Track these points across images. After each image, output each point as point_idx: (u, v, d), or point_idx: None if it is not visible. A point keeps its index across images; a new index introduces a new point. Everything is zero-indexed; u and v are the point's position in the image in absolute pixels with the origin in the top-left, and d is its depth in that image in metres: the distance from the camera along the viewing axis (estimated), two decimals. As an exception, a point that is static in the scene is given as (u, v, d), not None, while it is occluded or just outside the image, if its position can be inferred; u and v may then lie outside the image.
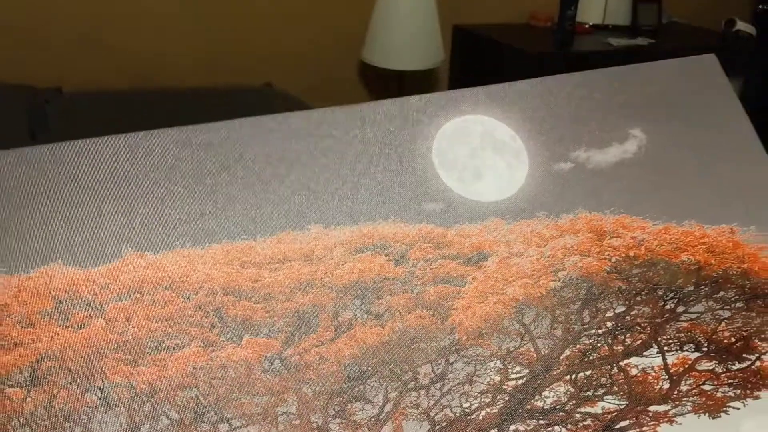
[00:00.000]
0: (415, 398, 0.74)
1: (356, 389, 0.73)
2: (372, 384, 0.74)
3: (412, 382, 0.75)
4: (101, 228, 0.76)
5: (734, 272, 0.85)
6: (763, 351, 0.82)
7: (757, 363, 0.81)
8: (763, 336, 0.83)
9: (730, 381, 0.80)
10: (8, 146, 1.91)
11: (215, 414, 0.70)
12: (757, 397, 0.79)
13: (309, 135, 0.86)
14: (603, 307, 0.81)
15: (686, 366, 0.80)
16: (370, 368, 0.74)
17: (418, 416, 0.73)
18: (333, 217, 0.81)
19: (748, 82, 3.02)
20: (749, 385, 0.80)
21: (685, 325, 0.82)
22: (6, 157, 0.78)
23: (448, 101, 0.90)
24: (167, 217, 0.78)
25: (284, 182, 0.82)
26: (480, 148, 0.88)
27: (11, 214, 0.75)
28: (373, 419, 0.72)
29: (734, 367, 0.81)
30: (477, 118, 0.90)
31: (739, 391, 0.80)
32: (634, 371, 0.79)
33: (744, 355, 0.82)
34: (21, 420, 0.67)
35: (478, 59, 2.92)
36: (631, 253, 0.84)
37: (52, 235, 0.75)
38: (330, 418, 0.72)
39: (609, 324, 0.81)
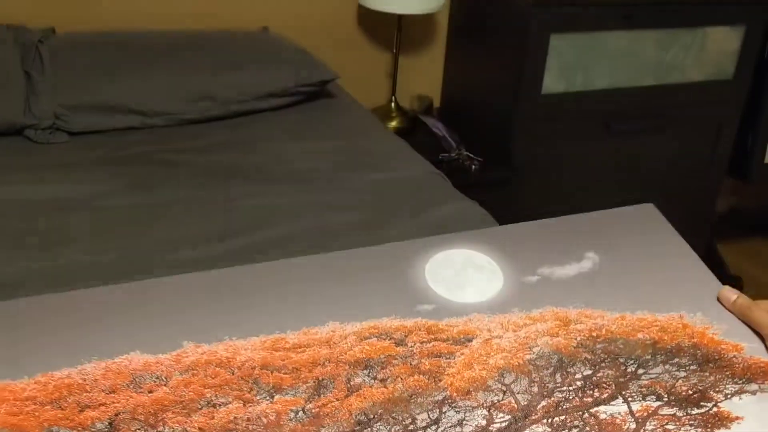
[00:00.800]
0: (414, 438, 0.89)
1: (365, 431, 0.89)
2: (377, 427, 0.90)
3: (411, 425, 0.90)
4: (169, 329, 1.01)
5: (686, 344, 1.02)
6: (718, 400, 0.95)
7: (714, 409, 0.94)
8: (717, 389, 0.96)
9: (690, 422, 0.92)
10: (5, 85, 2.06)
11: (250, 448, 0.86)
12: (717, 434, 0.91)
13: (325, 269, 1.12)
14: (572, 371, 0.98)
15: (650, 411, 0.93)
16: (375, 416, 0.91)
17: (417, 450, 0.88)
18: (346, 318, 1.04)
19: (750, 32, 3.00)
20: (709, 425, 0.92)
21: (646, 382, 0.97)
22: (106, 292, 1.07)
23: (440, 241, 1.17)
24: (218, 320, 1.02)
25: (308, 295, 1.07)
26: (462, 269, 1.13)
27: (107, 316, 1.01)
28: (378, 452, 0.87)
29: (693, 412, 0.94)
30: (460, 251, 1.16)
31: (701, 430, 0.91)
32: (602, 416, 0.93)
33: (701, 403, 0.95)
34: (99, 454, 0.85)
35: (478, 3, 2.86)
36: (594, 334, 1.03)
37: (133, 334, 1.00)
38: (343, 451, 0.87)
39: (579, 383, 0.96)
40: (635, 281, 1.12)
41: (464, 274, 1.13)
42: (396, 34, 2.77)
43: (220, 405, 0.90)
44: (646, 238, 1.19)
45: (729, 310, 1.06)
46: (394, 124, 2.99)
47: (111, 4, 2.32)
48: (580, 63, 2.81)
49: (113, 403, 0.90)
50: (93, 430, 0.87)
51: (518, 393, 0.94)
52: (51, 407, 0.88)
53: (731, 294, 1.06)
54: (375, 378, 0.95)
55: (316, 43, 2.35)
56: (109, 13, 2.34)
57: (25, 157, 1.84)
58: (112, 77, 2.01)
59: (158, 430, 0.87)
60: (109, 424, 0.87)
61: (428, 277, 1.11)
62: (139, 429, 0.87)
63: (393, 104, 2.98)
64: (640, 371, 0.98)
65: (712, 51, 3.14)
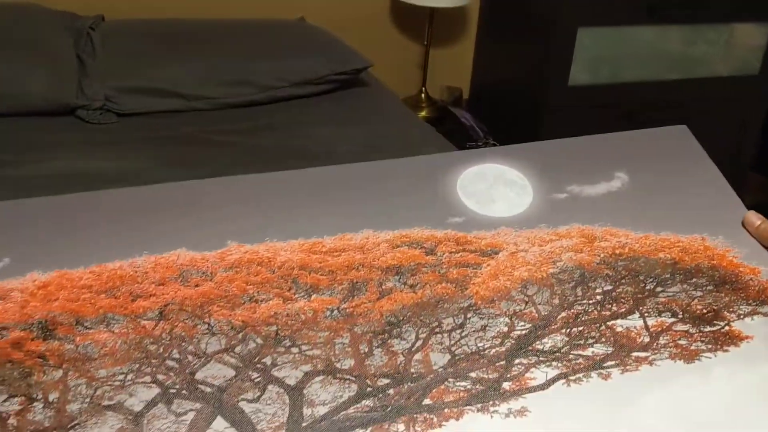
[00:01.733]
0: (440, 339, 0.96)
1: (394, 331, 0.96)
2: (406, 328, 0.97)
3: (438, 328, 0.97)
4: (214, 229, 1.07)
5: (705, 266, 1.06)
6: (731, 320, 1.00)
7: (726, 327, 0.99)
8: (731, 310, 1.01)
9: (702, 339, 0.98)
10: (59, 69, 2.21)
11: (289, 341, 0.94)
12: (726, 351, 0.96)
13: (362, 178, 1.17)
14: (593, 286, 1.03)
15: (664, 327, 0.99)
16: (404, 318, 0.97)
17: (442, 350, 0.95)
18: (379, 226, 1.09)
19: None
20: (720, 342, 0.97)
21: (663, 299, 1.02)
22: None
23: (472, 155, 1.20)
24: (260, 221, 1.08)
25: (345, 203, 1.12)
26: (493, 184, 1.17)
27: (157, 215, 1.07)
28: (406, 350, 0.94)
29: (706, 329, 0.99)
30: (492, 166, 1.19)
31: (710, 346, 0.97)
32: (618, 329, 0.98)
33: (715, 322, 1.00)
34: (149, 339, 0.93)
35: None
36: (617, 252, 1.07)
37: (181, 232, 1.06)
38: (374, 348, 0.94)
39: (598, 297, 1.02)
40: (662, 202, 1.15)
41: (495, 188, 1.16)
42: (427, 26, 2.81)
43: (261, 301, 0.97)
44: (676, 159, 1.20)
45: (752, 235, 1.08)
46: (423, 113, 3.00)
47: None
48: (606, 56, 2.83)
49: (162, 294, 0.98)
50: (144, 318, 0.95)
51: (540, 304, 1.00)
52: (105, 296, 0.96)
53: (756, 219, 1.08)
54: (405, 283, 1.01)
55: (350, 34, 2.42)
56: (154, 3, 2.41)
57: (78, 135, 1.93)
58: (157, 62, 2.06)
59: (204, 320, 0.95)
60: (159, 313, 0.95)
61: (459, 191, 1.15)
62: (186, 319, 0.95)
63: (423, 94, 2.98)
64: (658, 289, 1.03)
65: (738, 46, 3.10)
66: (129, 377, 0.89)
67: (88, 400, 0.87)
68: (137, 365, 0.90)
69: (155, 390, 0.89)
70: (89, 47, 2.10)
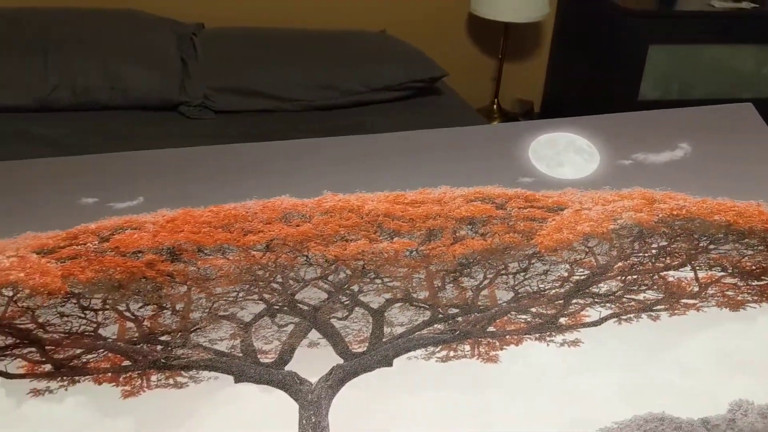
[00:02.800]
0: (505, 279, 1.09)
1: (464, 270, 1.10)
2: (475, 269, 1.10)
3: (504, 270, 1.10)
4: (313, 180, 1.23)
5: (758, 228, 1.14)
6: (779, 276, 1.08)
7: (774, 283, 1.07)
8: (780, 267, 1.09)
9: (749, 291, 1.06)
10: (165, 69, 2.41)
11: (374, 274, 1.09)
12: (772, 302, 1.05)
13: (442, 142, 1.30)
14: (649, 241, 1.13)
15: (713, 279, 1.08)
16: (474, 261, 1.11)
17: (507, 288, 1.07)
18: (456, 183, 1.22)
19: None
20: (765, 295, 1.06)
21: (714, 256, 1.11)
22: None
23: (545, 124, 1.32)
24: (352, 176, 1.24)
25: (425, 163, 1.26)
26: (563, 150, 1.28)
27: (263, 167, 1.25)
28: (474, 287, 1.08)
29: (753, 283, 1.07)
30: (563, 134, 1.30)
31: (756, 297, 1.05)
32: (670, 279, 1.08)
33: (762, 277, 1.08)
34: (258, 266, 1.10)
35: (583, 14, 2.98)
36: (674, 213, 1.16)
37: (285, 181, 1.23)
38: (446, 283, 1.08)
39: (654, 251, 1.12)
40: (722, 171, 1.23)
41: (564, 154, 1.28)
42: (502, 40, 2.86)
43: (351, 240, 1.13)
44: (738, 133, 1.28)
45: None
46: (495, 124, 3.06)
47: (250, 5, 2.65)
48: (676, 73, 2.79)
49: (269, 231, 1.15)
50: (253, 249, 1.12)
51: (598, 254, 1.11)
52: (222, 230, 1.14)
53: (812, 188, 1.15)
54: (477, 232, 1.14)
55: (428, 46, 2.54)
56: (249, 13, 2.61)
57: (178, 128, 2.11)
58: (252, 66, 2.25)
59: (303, 254, 1.11)
60: (266, 246, 1.12)
61: (531, 155, 1.27)
62: (288, 252, 1.11)
63: (495, 106, 3.02)
64: (711, 246, 1.12)
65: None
66: (240, 295, 1.07)
67: (207, 310, 1.05)
68: (247, 286, 1.08)
69: (261, 306, 1.06)
70: (192, 51, 2.30)
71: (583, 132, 1.30)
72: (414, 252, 1.12)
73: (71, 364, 0.99)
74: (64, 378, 0.97)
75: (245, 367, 0.98)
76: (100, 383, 0.96)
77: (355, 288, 1.08)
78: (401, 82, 2.28)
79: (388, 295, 1.07)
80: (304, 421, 0.93)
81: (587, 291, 1.06)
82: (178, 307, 1.06)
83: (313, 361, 0.99)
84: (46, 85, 2.01)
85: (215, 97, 2.19)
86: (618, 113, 1.33)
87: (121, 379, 0.97)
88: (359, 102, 2.31)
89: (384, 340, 1.02)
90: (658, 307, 1.04)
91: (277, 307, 1.06)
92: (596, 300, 1.05)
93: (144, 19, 2.34)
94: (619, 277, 1.08)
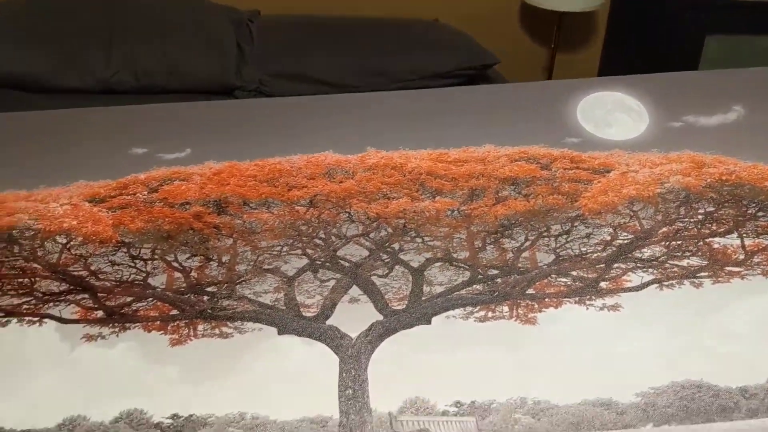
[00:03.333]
0: (547, 241, 1.09)
1: (506, 232, 1.10)
2: (517, 230, 1.10)
3: (546, 233, 1.10)
4: (356, 136, 1.24)
5: (811, 196, 1.11)
6: (831, 246, 1.05)
7: (824, 253, 1.05)
8: (832, 237, 1.06)
9: (798, 261, 1.04)
10: (222, 54, 2.40)
11: (414, 233, 1.10)
12: (821, 273, 1.03)
13: (488, 99, 1.29)
14: (696, 206, 1.11)
15: (760, 247, 1.06)
16: (516, 222, 1.11)
17: (548, 251, 1.07)
18: (501, 142, 1.21)
19: None
20: (815, 265, 1.04)
21: (763, 223, 1.09)
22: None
23: (594, 83, 1.29)
24: (396, 134, 1.24)
25: (470, 120, 1.25)
26: (612, 110, 1.25)
27: (307, 122, 1.26)
28: (515, 248, 1.08)
29: (803, 253, 1.05)
30: (612, 93, 1.28)
31: (805, 268, 1.03)
32: (716, 245, 1.07)
33: (813, 247, 1.06)
34: (301, 221, 1.12)
35: (638, 4, 2.90)
36: (724, 178, 1.14)
37: (329, 137, 1.24)
38: (487, 244, 1.09)
39: (700, 216, 1.10)
40: (776, 136, 1.19)
41: (612, 114, 1.25)
42: (555, 29, 2.76)
43: (393, 198, 1.14)
44: None
45: None
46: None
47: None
48: (733, 64, 2.66)
49: (312, 186, 1.16)
50: (297, 204, 1.14)
51: (643, 218, 1.10)
52: (267, 184, 1.16)
53: None
54: (520, 193, 1.14)
55: (480, 34, 2.50)
56: (304, 1, 2.60)
57: None
58: (306, 53, 2.24)
59: (345, 210, 1.13)
60: (310, 201, 1.14)
61: (579, 114, 1.25)
62: (331, 208, 1.13)
63: None
64: (760, 214, 1.10)
65: None
66: (284, 249, 1.09)
67: (252, 263, 1.07)
68: (291, 241, 1.10)
69: (304, 261, 1.08)
70: (248, 37, 2.33)
71: (633, 91, 1.27)
72: (455, 212, 1.13)
73: (122, 311, 1.03)
74: (116, 325, 1.01)
75: (288, 320, 1.01)
76: (149, 331, 1.00)
77: (396, 246, 1.09)
78: (451, 70, 2.26)
79: (428, 254, 1.08)
80: (344, 374, 0.95)
81: (630, 255, 1.06)
82: (224, 259, 1.08)
83: (354, 316, 1.01)
84: (109, 68, 2.05)
85: (270, 83, 2.21)
86: (670, 72, 1.29)
87: (169, 328, 1.00)
88: (410, 89, 2.30)
89: (423, 298, 1.03)
90: (702, 273, 1.03)
91: (320, 263, 1.08)
92: (638, 265, 1.05)
93: (202, 6, 2.37)
94: (663, 242, 1.07)
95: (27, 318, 1.03)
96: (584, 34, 3.03)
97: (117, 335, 1.00)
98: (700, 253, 1.06)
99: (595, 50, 3.06)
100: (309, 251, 1.09)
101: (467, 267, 1.07)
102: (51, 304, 1.04)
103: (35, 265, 1.08)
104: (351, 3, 2.64)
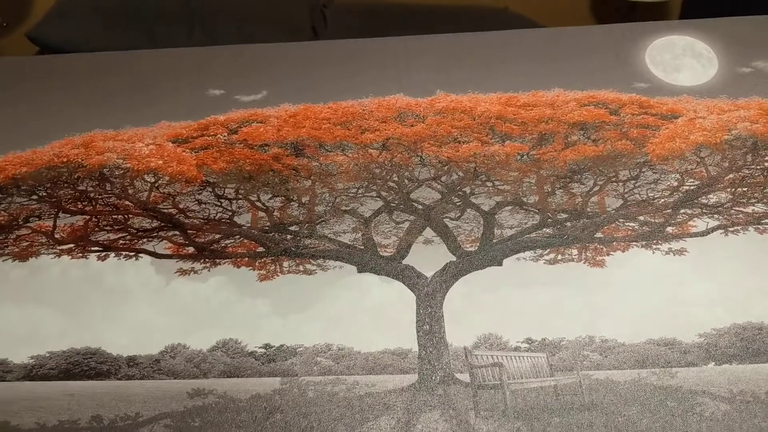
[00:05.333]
0: (615, 187, 1.12)
1: (575, 177, 1.13)
2: (586, 175, 1.13)
3: (614, 178, 1.13)
4: (426, 80, 1.26)
5: None
6: None
7: None
8: None
9: None
10: (296, 37, 2.42)
11: (485, 177, 1.14)
12: None
13: (557, 42, 1.30)
14: (763, 154, 1.13)
15: (827, 196, 1.08)
16: (585, 167, 1.14)
17: (616, 195, 1.11)
18: (570, 86, 1.23)
19: None
20: None
21: (831, 172, 1.10)
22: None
23: (663, 26, 1.29)
24: (467, 74, 1.26)
25: (539, 63, 1.27)
26: (681, 54, 1.26)
27: (375, 63, 1.28)
28: (584, 193, 1.12)
29: None
30: (681, 37, 1.28)
31: None
32: (782, 193, 1.09)
33: None
34: (375, 164, 1.16)
35: None
36: (793, 125, 1.15)
37: (398, 81, 1.26)
38: (556, 189, 1.12)
39: (767, 164, 1.12)
40: None
41: (682, 59, 1.26)
42: (627, 15, 2.61)
43: (463, 142, 1.17)
44: None
45: None
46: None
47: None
48: None
49: (384, 130, 1.20)
50: (371, 147, 1.18)
51: (710, 165, 1.12)
52: (341, 127, 1.20)
53: None
54: (589, 138, 1.17)
55: (552, 21, 2.41)
56: None
57: None
58: (377, 35, 2.28)
59: (417, 154, 1.17)
60: (382, 144, 1.18)
61: (647, 59, 1.26)
62: (403, 152, 1.17)
63: None
64: (829, 162, 1.11)
65: None
66: (360, 191, 1.14)
67: (330, 204, 1.13)
68: (366, 183, 1.15)
69: (380, 203, 1.13)
70: (322, 22, 2.37)
71: (701, 35, 1.27)
72: (525, 156, 1.16)
73: (212, 247, 1.10)
74: (206, 260, 1.08)
75: (367, 259, 1.07)
76: (238, 266, 1.07)
77: (467, 190, 1.14)
78: None
79: (498, 198, 1.12)
80: (421, 311, 1.02)
81: (696, 201, 1.09)
82: (303, 200, 1.14)
83: (428, 256, 1.07)
84: None
85: None
86: (742, 16, 1.29)
87: (256, 264, 1.07)
88: None
89: (494, 241, 1.08)
90: (767, 220, 1.06)
91: (394, 205, 1.13)
92: (704, 211, 1.08)
93: None
94: (729, 189, 1.10)
95: (124, 252, 1.10)
96: (657, 19, 2.97)
97: (209, 270, 1.07)
98: (765, 200, 1.08)
99: None
100: (383, 194, 1.14)
101: (537, 211, 1.11)
102: (145, 239, 1.12)
103: (127, 203, 1.15)
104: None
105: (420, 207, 1.13)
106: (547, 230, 1.09)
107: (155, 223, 1.13)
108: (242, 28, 2.17)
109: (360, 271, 1.07)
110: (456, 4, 2.61)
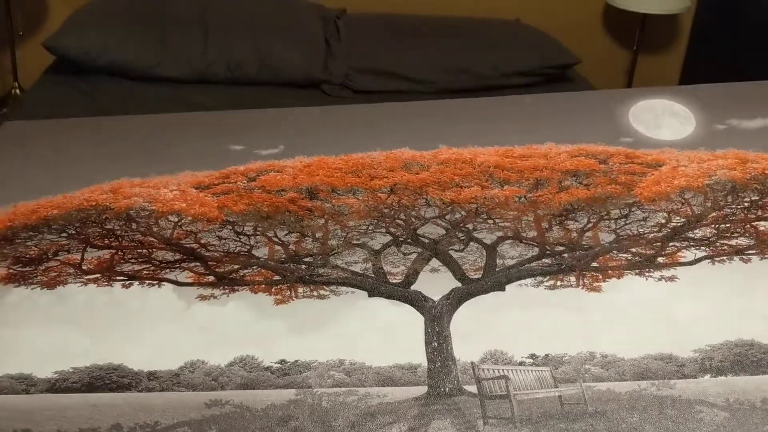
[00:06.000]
0: (607, 224, 1.21)
1: (570, 215, 1.22)
2: (579, 214, 1.22)
3: (606, 216, 1.22)
4: (429, 135, 1.38)
5: None
6: None
7: None
8: None
9: (839, 240, 1.15)
10: (310, 49, 2.51)
11: (486, 215, 1.23)
12: None
13: (550, 105, 1.43)
14: (742, 195, 1.23)
15: (804, 230, 1.17)
16: (578, 207, 1.23)
17: (609, 231, 1.19)
18: (561, 141, 1.35)
19: None
20: None
21: (805, 209, 1.20)
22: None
23: (644, 92, 1.43)
24: (467, 134, 1.38)
25: (533, 122, 1.39)
26: (661, 114, 1.39)
27: (384, 125, 1.41)
28: (579, 229, 1.20)
29: (844, 234, 1.16)
30: (661, 101, 1.41)
31: None
32: (762, 228, 1.18)
33: None
34: (383, 206, 1.25)
35: (725, 8, 2.81)
36: (767, 172, 1.25)
37: (403, 136, 1.38)
38: (553, 225, 1.21)
39: (746, 203, 1.21)
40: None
41: (662, 117, 1.38)
42: (638, 31, 2.75)
43: (465, 187, 1.27)
44: None
45: None
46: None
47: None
48: None
49: (392, 177, 1.30)
50: (379, 192, 1.27)
51: (694, 205, 1.22)
52: (352, 175, 1.30)
53: None
54: (581, 183, 1.27)
55: (561, 35, 2.52)
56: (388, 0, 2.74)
57: (320, 104, 2.25)
58: (390, 49, 2.39)
59: (423, 197, 1.26)
60: (390, 189, 1.28)
61: (631, 118, 1.38)
62: (409, 195, 1.26)
63: None
64: (803, 202, 1.21)
65: None
66: (370, 228, 1.23)
67: (342, 239, 1.21)
68: (375, 221, 1.23)
69: (388, 237, 1.21)
70: (335, 33, 2.47)
71: (680, 99, 1.40)
72: (523, 198, 1.26)
73: (231, 276, 1.16)
74: (225, 287, 1.15)
75: (377, 285, 1.14)
76: (255, 292, 1.13)
77: (470, 226, 1.22)
78: (532, 68, 2.34)
79: (499, 233, 1.21)
80: (429, 330, 1.07)
81: (683, 236, 1.17)
82: (317, 235, 1.22)
83: (435, 283, 1.13)
84: (204, 59, 2.21)
85: (355, 77, 2.33)
86: (712, 84, 1.43)
87: (273, 290, 1.14)
88: (491, 86, 2.39)
89: (497, 269, 1.15)
90: (750, 252, 1.14)
91: (402, 239, 1.21)
92: (692, 243, 1.16)
93: (293, 3, 2.52)
94: (713, 225, 1.18)
95: (147, 281, 1.17)
96: (668, 37, 2.98)
97: (227, 296, 1.13)
98: (747, 234, 1.17)
99: (678, 54, 2.98)
100: (392, 230, 1.22)
101: (536, 244, 1.19)
102: (167, 270, 1.18)
103: (151, 239, 1.22)
104: (434, 3, 2.74)
105: (427, 240, 1.21)
106: (547, 260, 1.17)
107: (177, 256, 1.20)
108: (256, 38, 2.26)
109: (370, 295, 1.13)
110: (467, 15, 2.67)
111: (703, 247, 1.16)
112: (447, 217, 1.24)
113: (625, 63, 2.98)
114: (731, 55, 2.80)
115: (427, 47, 2.43)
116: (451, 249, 1.20)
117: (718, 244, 1.17)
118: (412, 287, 1.14)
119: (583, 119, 1.40)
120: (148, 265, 1.19)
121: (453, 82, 2.32)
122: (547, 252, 1.18)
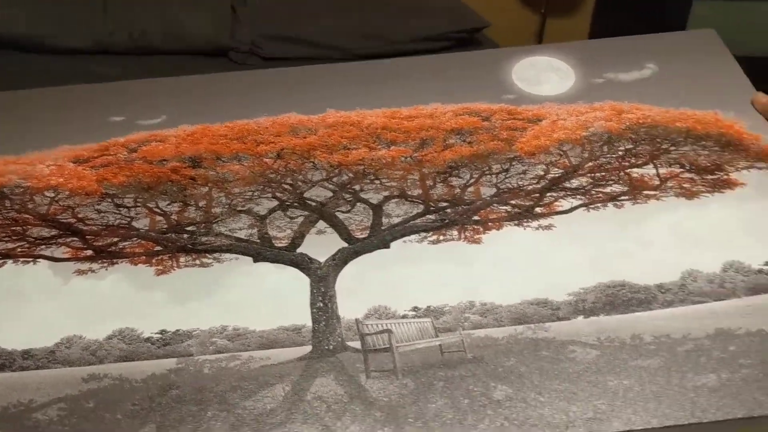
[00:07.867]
0: (489, 178, 1.23)
1: (453, 172, 1.24)
2: (463, 171, 1.24)
3: (488, 171, 1.24)
4: (317, 99, 1.37)
5: (714, 132, 1.28)
6: (730, 171, 1.22)
7: (725, 176, 1.22)
8: (730, 165, 1.23)
9: (703, 184, 1.21)
10: (216, 15, 2.39)
11: (373, 176, 1.23)
12: (722, 192, 1.19)
13: (434, 65, 1.44)
14: (617, 144, 1.27)
15: (673, 174, 1.22)
16: (462, 164, 1.25)
17: (490, 185, 1.22)
18: (446, 101, 1.36)
19: None
20: (718, 186, 1.20)
21: (674, 156, 1.25)
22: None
23: (527, 50, 1.46)
24: (354, 97, 1.37)
25: (419, 83, 1.40)
26: (542, 70, 1.42)
27: (270, 90, 1.39)
28: (462, 185, 1.22)
29: (708, 177, 1.22)
30: (542, 57, 1.44)
31: (709, 189, 1.20)
32: (634, 174, 1.22)
33: (716, 172, 1.22)
34: (270, 171, 1.24)
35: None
36: (640, 121, 1.30)
37: (292, 101, 1.37)
38: (437, 183, 1.23)
39: (620, 152, 1.26)
40: (684, 87, 1.36)
41: (543, 74, 1.41)
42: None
43: (352, 149, 1.27)
44: (702, 55, 1.42)
45: (758, 111, 1.29)
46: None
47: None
48: (721, 30, 2.59)
49: (279, 142, 1.29)
50: (266, 157, 1.26)
51: (571, 156, 1.25)
52: (237, 142, 1.28)
53: (762, 97, 1.29)
54: (464, 141, 1.29)
55: (471, 1, 2.52)
56: None
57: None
58: (299, 15, 2.32)
59: (310, 160, 1.25)
60: (277, 154, 1.26)
61: (513, 75, 1.41)
62: (297, 159, 1.26)
63: None
64: (672, 148, 1.26)
65: None
66: (256, 194, 1.21)
67: (227, 206, 1.19)
68: (261, 187, 1.22)
69: (275, 203, 1.20)
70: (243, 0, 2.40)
71: (559, 55, 1.44)
72: (409, 158, 1.26)
73: (110, 249, 1.13)
74: (104, 261, 1.12)
75: (262, 250, 1.13)
76: (135, 264, 1.11)
77: (357, 187, 1.22)
78: (442, 33, 2.32)
79: (386, 193, 1.21)
80: (315, 291, 1.07)
81: (560, 186, 1.21)
82: (200, 203, 1.20)
83: (321, 245, 1.14)
84: (104, 28, 2.10)
85: (263, 44, 2.26)
86: (589, 40, 1.46)
87: (153, 261, 1.11)
88: (403, 51, 2.37)
89: (383, 228, 1.16)
90: (623, 197, 1.19)
91: (288, 203, 1.20)
92: (568, 193, 1.20)
93: None
94: (588, 174, 1.22)
95: (21, 259, 1.12)
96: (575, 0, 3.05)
97: (106, 269, 1.10)
98: (621, 182, 1.21)
99: (584, 16, 3.05)
100: (278, 194, 1.21)
101: (421, 201, 1.21)
102: (43, 246, 1.14)
103: (26, 216, 1.17)
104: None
105: (313, 204, 1.21)
106: (431, 217, 1.18)
107: (54, 232, 1.16)
108: (159, 5, 2.18)
109: (255, 261, 1.12)
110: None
111: (579, 196, 1.20)
112: (334, 179, 1.24)
113: (534, 26, 3.03)
114: (637, 15, 2.88)
115: (336, 13, 2.40)
116: (338, 210, 1.20)
117: (593, 192, 1.21)
118: (299, 250, 1.14)
119: (469, 78, 1.42)
120: (22, 243, 1.15)
121: (364, 48, 2.30)
122: (432, 209, 1.20)
